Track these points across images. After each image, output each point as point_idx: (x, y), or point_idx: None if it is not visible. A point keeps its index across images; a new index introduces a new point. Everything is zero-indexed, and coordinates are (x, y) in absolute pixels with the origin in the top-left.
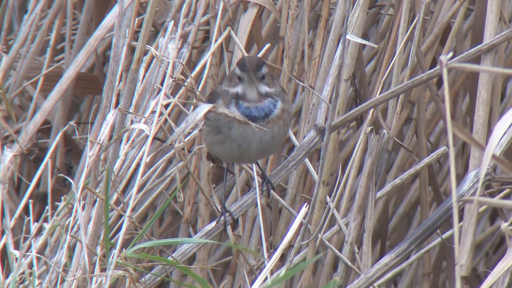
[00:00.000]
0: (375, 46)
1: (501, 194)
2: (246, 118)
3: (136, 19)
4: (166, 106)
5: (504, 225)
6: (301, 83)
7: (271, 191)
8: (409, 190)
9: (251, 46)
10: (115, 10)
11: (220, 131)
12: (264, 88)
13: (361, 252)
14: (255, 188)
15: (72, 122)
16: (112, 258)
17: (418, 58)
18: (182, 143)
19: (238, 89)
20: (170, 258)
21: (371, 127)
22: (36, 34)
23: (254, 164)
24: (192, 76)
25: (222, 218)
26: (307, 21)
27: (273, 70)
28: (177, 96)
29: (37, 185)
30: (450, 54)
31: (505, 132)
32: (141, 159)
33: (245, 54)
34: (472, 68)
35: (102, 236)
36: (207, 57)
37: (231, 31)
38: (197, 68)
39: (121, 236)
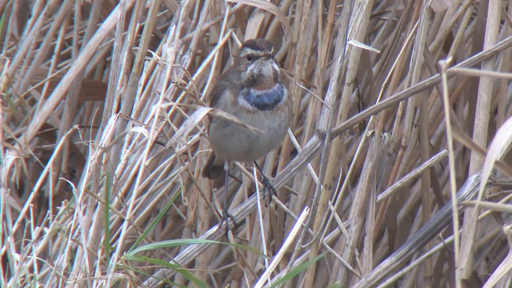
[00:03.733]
0: (378, 51)
1: (504, 199)
2: (256, 107)
3: (138, 24)
4: (168, 110)
5: (506, 228)
6: (305, 88)
7: (273, 196)
8: (411, 193)
9: None
10: (115, 13)
11: (228, 123)
12: (276, 66)
13: (362, 255)
14: (257, 193)
15: (75, 127)
16: (113, 261)
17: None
18: (185, 145)
19: (253, 69)
20: (171, 262)
21: (372, 130)
22: (41, 41)
23: (255, 169)
24: (193, 79)
25: (224, 222)
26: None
27: None
28: (178, 100)
29: (41, 189)
30: (450, 59)
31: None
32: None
33: None
34: (470, 72)
35: (103, 240)
36: (208, 61)
37: (233, 33)
38: (199, 70)
39: (121, 239)
